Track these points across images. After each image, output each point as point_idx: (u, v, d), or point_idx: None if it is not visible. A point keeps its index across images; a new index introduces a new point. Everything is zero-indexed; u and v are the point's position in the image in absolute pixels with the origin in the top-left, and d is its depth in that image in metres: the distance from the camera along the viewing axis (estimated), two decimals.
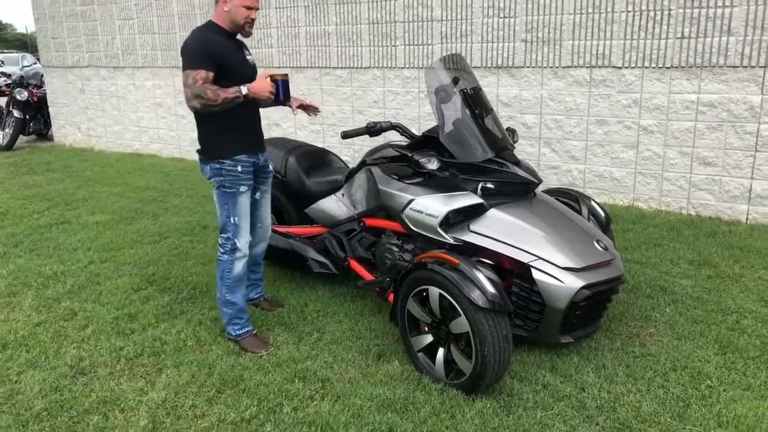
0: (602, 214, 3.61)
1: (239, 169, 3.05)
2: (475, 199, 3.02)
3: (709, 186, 5.18)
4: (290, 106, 3.39)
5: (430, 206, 3.05)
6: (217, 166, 3.03)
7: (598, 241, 3.04)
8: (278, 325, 3.46)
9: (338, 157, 4.24)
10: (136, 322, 3.53)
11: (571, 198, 3.67)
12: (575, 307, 2.84)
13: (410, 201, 3.13)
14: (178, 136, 8.76)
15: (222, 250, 3.15)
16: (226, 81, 2.90)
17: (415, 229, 3.14)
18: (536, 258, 2.88)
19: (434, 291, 2.74)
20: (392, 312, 3.04)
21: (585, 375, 2.86)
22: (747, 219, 5.07)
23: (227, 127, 3.01)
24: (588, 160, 5.71)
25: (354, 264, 3.63)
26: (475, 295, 2.55)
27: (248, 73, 3.07)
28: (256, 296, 3.66)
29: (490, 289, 2.57)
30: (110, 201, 6.38)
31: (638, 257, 4.33)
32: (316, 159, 4.10)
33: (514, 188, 3.19)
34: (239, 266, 3.16)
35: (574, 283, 2.80)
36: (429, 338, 2.88)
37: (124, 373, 2.99)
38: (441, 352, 2.81)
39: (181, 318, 3.58)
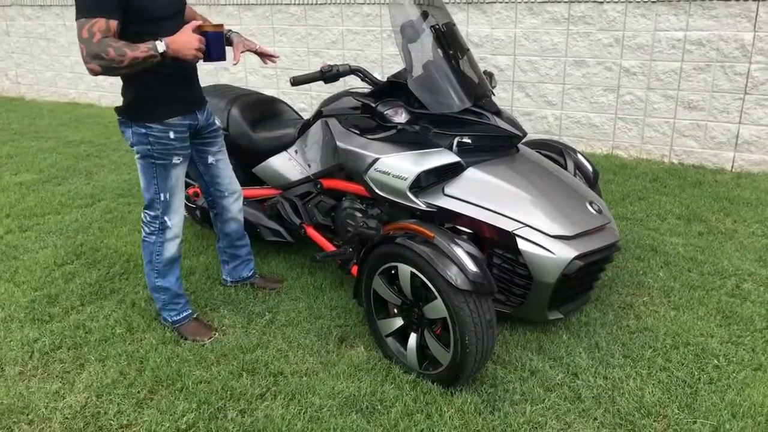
0: (590, 168, 3.20)
1: (172, 136, 2.48)
2: (450, 157, 2.56)
3: (693, 132, 4.83)
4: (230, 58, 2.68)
5: (398, 167, 2.58)
6: (143, 131, 2.44)
7: (590, 203, 2.64)
8: (224, 304, 3.00)
9: (290, 107, 3.70)
10: (57, 306, 3.02)
11: (555, 150, 3.25)
12: (566, 280, 2.46)
13: (374, 160, 2.65)
14: (118, 83, 7.97)
15: (148, 230, 2.62)
16: (136, 28, 2.27)
17: (380, 193, 2.68)
18: (522, 225, 2.46)
19: (404, 269, 2.31)
20: (356, 289, 2.61)
21: (577, 357, 2.50)
22: (733, 167, 4.76)
23: (155, 82, 2.41)
24: (565, 105, 5.28)
25: (311, 232, 3.17)
26: (454, 275, 2.13)
27: (168, 13, 2.38)
28: (248, 275, 3.15)
29: (472, 267, 2.15)
30: (39, 158, 5.71)
31: (622, 212, 3.97)
32: (264, 109, 3.55)
33: (495, 143, 2.74)
34: (171, 248, 2.66)
35: (565, 253, 2.41)
36: (399, 322, 2.46)
37: (36, 372, 2.51)
38: (413, 338, 2.40)
39: (111, 299, 3.08)
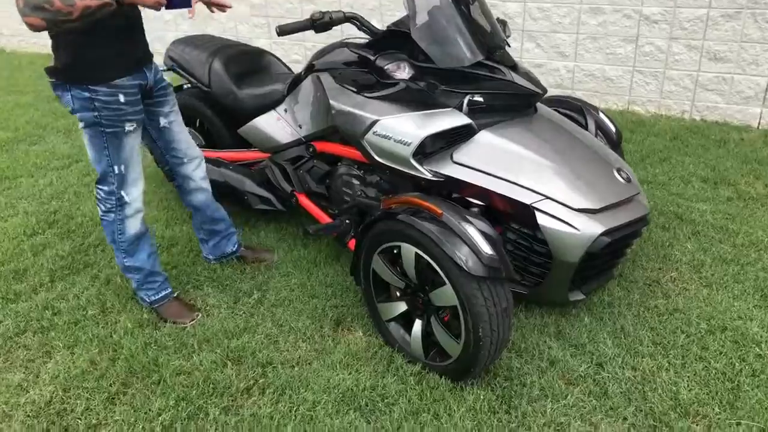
0: (612, 128, 2.88)
1: (122, 99, 2.12)
2: (460, 119, 2.24)
3: (718, 86, 4.46)
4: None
5: (401, 130, 2.26)
6: (86, 95, 2.07)
7: (618, 171, 2.33)
8: (208, 281, 2.72)
9: (279, 60, 3.33)
10: (24, 282, 2.74)
11: (573, 109, 2.92)
12: (590, 258, 2.18)
13: (373, 122, 2.32)
14: None
15: (105, 208, 2.30)
16: None
17: (379, 159, 2.36)
18: (541, 197, 2.15)
19: (408, 249, 2.01)
20: (353, 267, 2.32)
21: (601, 344, 2.23)
22: (759, 124, 4.42)
23: (99, 36, 2.03)
24: (578, 57, 4.89)
25: (304, 201, 2.86)
26: (466, 258, 1.84)
27: None
28: (233, 249, 2.84)
29: (486, 248, 1.86)
30: (15, 114, 5.34)
31: (643, 175, 3.66)
32: (250, 63, 3.19)
33: (511, 102, 2.40)
34: (134, 224, 2.35)
35: (591, 228, 2.11)
36: (402, 307, 2.19)
37: None
38: (418, 325, 2.13)
39: (84, 274, 2.80)
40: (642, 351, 2.19)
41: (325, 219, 2.77)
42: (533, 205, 2.14)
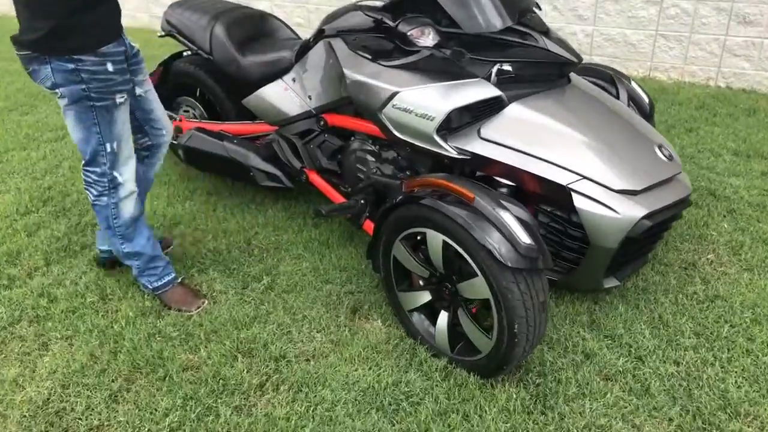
0: (645, 99, 2.68)
1: (110, 68, 1.91)
2: (489, 90, 2.04)
3: (746, 51, 4.23)
4: None
5: (423, 103, 2.06)
6: (70, 66, 1.85)
7: (660, 148, 2.14)
8: (214, 264, 2.55)
9: (285, 24, 3.10)
10: (18, 266, 2.57)
11: (604, 78, 2.71)
12: (629, 243, 2.00)
13: (392, 95, 2.11)
14: None
15: (96, 192, 2.11)
16: None
17: (399, 135, 2.17)
18: (578, 177, 1.97)
19: (435, 237, 1.84)
20: (371, 251, 2.15)
21: (638, 335, 2.08)
22: None
23: (79, 0, 1.81)
24: (597, 20, 4.63)
25: (315, 178, 2.67)
26: (502, 249, 1.67)
27: None
28: None
29: (524, 237, 1.68)
30: (5, 81, 5.10)
31: None
32: (254, 27, 2.96)
33: (542, 71, 2.20)
34: (129, 207, 2.16)
35: (632, 211, 1.93)
36: (426, 297, 2.02)
37: None
38: (444, 317, 1.97)
39: (81, 256, 2.63)
40: (684, 343, 2.03)
41: (338, 198, 2.58)
42: (569, 186, 1.96)
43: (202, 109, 3.16)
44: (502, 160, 2.03)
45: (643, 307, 2.21)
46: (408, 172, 2.39)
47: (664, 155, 2.12)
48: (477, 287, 1.76)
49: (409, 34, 2.01)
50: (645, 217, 1.94)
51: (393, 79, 2.14)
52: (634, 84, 2.69)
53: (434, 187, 1.86)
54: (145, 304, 2.31)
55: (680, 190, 2.09)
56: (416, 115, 2.07)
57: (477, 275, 1.74)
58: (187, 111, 3.21)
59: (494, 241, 1.67)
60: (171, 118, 3.16)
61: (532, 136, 2.03)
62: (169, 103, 3.25)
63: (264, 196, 3.06)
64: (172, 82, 3.17)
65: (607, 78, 2.70)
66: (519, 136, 2.03)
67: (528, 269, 1.68)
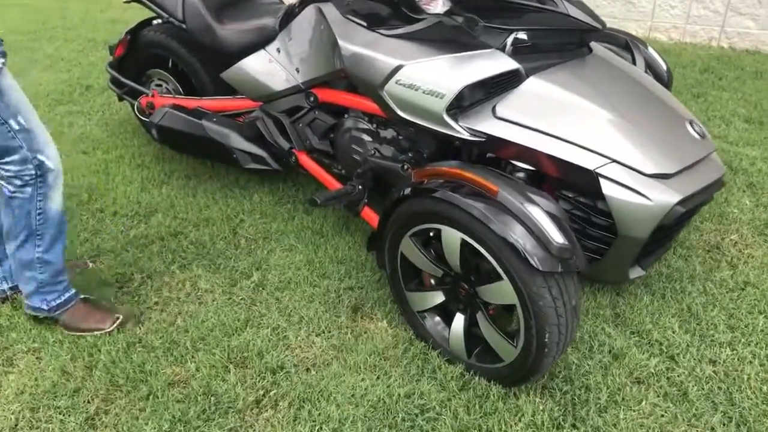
0: (663, 66, 2.47)
1: None
2: (506, 63, 1.80)
3: (752, 9, 4.02)
4: None
5: (432, 78, 1.81)
6: None
7: (691, 124, 1.94)
8: (197, 259, 2.31)
9: None
10: None
11: (618, 43, 2.49)
12: (660, 230, 1.81)
13: (396, 69, 1.86)
14: None
15: (20, 182, 1.74)
16: None
17: (402, 114, 1.92)
18: (607, 161, 1.76)
19: (452, 235, 1.62)
20: (372, 242, 1.94)
21: (668, 330, 1.91)
22: None
23: None
24: None
25: (305, 161, 2.43)
26: (534, 250, 1.46)
27: None
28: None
29: (557, 236, 1.48)
30: None
31: None
32: None
33: (561, 39, 1.97)
34: (58, 198, 1.83)
35: (665, 197, 1.73)
36: (439, 298, 1.82)
37: None
38: (460, 320, 1.77)
39: None
40: (718, 339, 1.87)
41: (331, 183, 2.35)
42: (597, 170, 1.75)
43: (176, 82, 2.86)
44: (521, 143, 1.80)
45: (670, 297, 2.04)
46: (411, 154, 2.16)
47: (697, 133, 1.91)
48: (502, 292, 1.56)
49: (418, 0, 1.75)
50: (679, 203, 1.75)
51: (396, 50, 1.89)
52: (651, 50, 2.48)
53: (448, 177, 1.64)
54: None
55: (713, 171, 1.90)
56: (423, 92, 1.83)
57: (502, 278, 1.54)
58: (160, 85, 2.91)
59: (523, 242, 1.47)
60: (142, 93, 2.87)
61: (554, 115, 1.80)
62: (138, 77, 2.95)
63: (248, 179, 2.81)
64: (141, 53, 2.86)
65: (622, 44, 2.47)
66: (539, 115, 1.81)
67: (563, 272, 1.48)
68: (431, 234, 1.72)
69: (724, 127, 3.11)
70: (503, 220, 1.50)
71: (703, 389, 1.71)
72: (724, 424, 1.62)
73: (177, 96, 2.83)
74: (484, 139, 1.85)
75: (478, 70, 1.79)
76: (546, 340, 1.52)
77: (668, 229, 1.85)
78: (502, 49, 1.83)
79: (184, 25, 2.53)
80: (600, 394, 1.70)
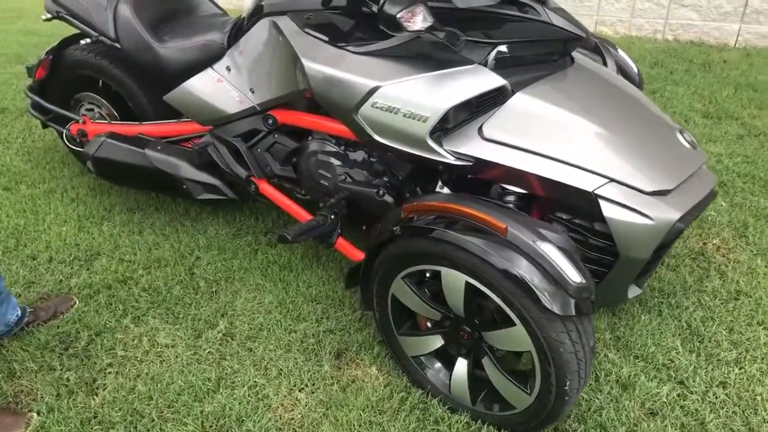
0: (635, 69, 2.39)
1: None
2: (491, 79, 1.65)
3: (694, 1, 4.05)
4: None
5: (413, 99, 1.64)
6: None
7: (682, 133, 1.85)
8: (153, 308, 2.05)
9: None
10: None
11: (588, 47, 2.39)
12: (660, 249, 1.71)
13: (372, 90, 1.67)
14: None
15: None
16: None
17: (380, 139, 1.74)
18: (605, 180, 1.63)
19: (454, 277, 1.46)
20: (350, 277, 1.77)
21: (672, 351, 1.82)
22: (737, 41, 4.08)
23: None
24: None
25: (266, 188, 2.20)
26: (552, 293, 1.32)
27: None
28: (17, 316, 1.89)
29: (574, 276, 1.34)
30: None
31: None
32: (168, 4, 2.40)
33: (542, 50, 1.83)
34: None
35: (666, 215, 1.62)
36: (437, 342, 1.65)
37: None
38: (462, 365, 1.61)
39: None
40: (724, 357, 1.79)
41: (298, 212, 2.14)
42: (596, 192, 1.62)
43: (109, 106, 2.57)
44: (513, 165, 1.65)
45: (667, 314, 1.95)
46: (386, 178, 1.98)
47: (688, 143, 1.82)
48: (514, 338, 1.41)
49: (399, 15, 1.57)
50: (679, 220, 1.65)
51: (369, 70, 1.70)
52: (621, 52, 2.39)
53: (445, 212, 1.47)
54: (65, 376, 1.80)
55: (707, 182, 1.81)
56: (404, 115, 1.65)
57: (514, 324, 1.39)
58: (91, 110, 2.61)
59: (539, 284, 1.32)
60: (71, 119, 2.57)
61: (546, 133, 1.66)
62: (65, 101, 2.63)
63: (200, 211, 2.56)
64: (67, 75, 2.55)
65: (591, 46, 2.38)
66: (530, 134, 1.66)
67: (582, 313, 1.35)
68: (427, 274, 1.55)
69: (685, 124, 3.09)
70: (514, 261, 1.35)
71: (719, 416, 1.62)
72: None
73: (113, 122, 2.54)
74: (471, 164, 1.69)
75: (463, 88, 1.62)
76: (566, 387, 1.38)
77: (667, 246, 1.76)
78: (484, 63, 1.68)
79: (117, 45, 2.25)
80: None
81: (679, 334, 1.88)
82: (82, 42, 2.44)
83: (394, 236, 1.54)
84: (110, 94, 2.56)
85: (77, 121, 2.56)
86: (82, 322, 1.99)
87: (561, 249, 1.37)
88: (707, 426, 1.59)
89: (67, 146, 2.71)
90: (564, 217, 1.77)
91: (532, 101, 1.69)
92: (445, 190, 1.91)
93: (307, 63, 1.78)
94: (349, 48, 1.75)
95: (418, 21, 1.57)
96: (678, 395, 1.68)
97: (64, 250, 2.32)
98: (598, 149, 1.65)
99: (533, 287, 1.32)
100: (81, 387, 1.76)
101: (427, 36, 1.63)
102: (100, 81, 2.53)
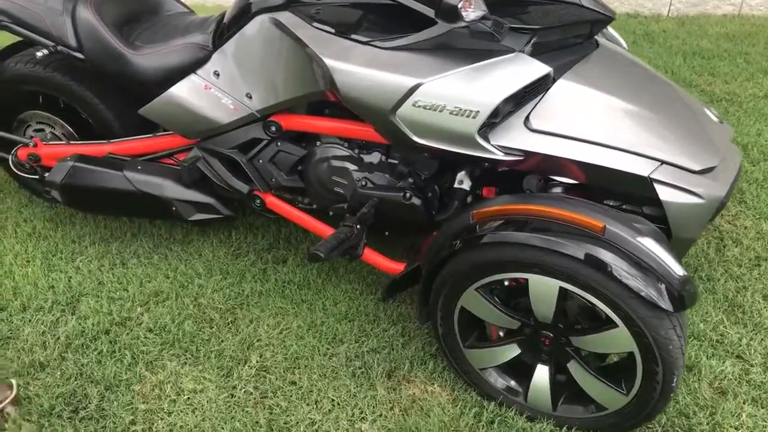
0: (624, 46, 2.37)
1: None
2: (537, 67, 1.55)
3: None
4: None
5: (461, 94, 1.51)
6: None
7: (708, 108, 1.85)
8: (165, 349, 1.81)
9: None
10: None
11: None
12: None
13: (414, 88, 1.53)
14: None
15: None
16: None
17: (417, 140, 1.60)
18: (658, 163, 1.59)
19: (545, 284, 1.36)
20: (391, 289, 1.66)
21: (719, 325, 1.82)
22: (669, 11, 4.24)
23: None
24: None
25: (274, 202, 2.00)
26: (659, 290, 1.26)
27: None
28: None
29: (677, 269, 1.29)
30: None
31: None
32: (134, 5, 2.11)
33: (570, 33, 1.76)
34: None
35: (714, 192, 1.61)
36: (513, 351, 1.55)
37: None
38: (543, 371, 1.53)
39: None
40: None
41: (313, 224, 1.97)
42: (651, 176, 1.58)
43: (65, 125, 2.24)
44: (565, 156, 1.58)
45: (702, 288, 1.97)
46: (410, 179, 1.85)
47: (716, 117, 1.83)
48: (616, 340, 1.34)
49: (459, 6, 1.42)
50: (725, 196, 1.65)
51: (406, 66, 1.55)
52: (611, 30, 2.37)
53: (526, 216, 1.37)
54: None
55: (737, 155, 1.82)
56: (450, 112, 1.53)
57: (616, 326, 1.32)
58: (41, 130, 2.27)
59: (645, 283, 1.25)
60: (19, 143, 2.23)
61: (594, 119, 1.60)
62: (8, 123, 2.28)
63: (186, 231, 2.30)
64: (8, 92, 2.20)
65: None
66: (578, 122, 1.59)
67: (685, 307, 1.30)
68: (505, 282, 1.45)
69: None
70: (617, 260, 1.27)
71: None
72: None
73: (71, 142, 2.23)
74: (521, 158, 1.60)
75: (511, 79, 1.52)
76: (673, 384, 1.33)
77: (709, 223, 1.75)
78: (523, 52, 1.58)
79: (79, 55, 1.95)
80: (699, 421, 1.56)
81: (721, 308, 1.89)
82: (38, 54, 2.09)
83: (466, 246, 1.42)
84: (62, 110, 2.24)
85: (26, 144, 2.23)
86: (86, 377, 1.73)
87: (659, 242, 1.30)
88: None
89: (14, 175, 2.35)
90: (611, 204, 1.72)
91: (576, 87, 1.62)
92: (465, 185, 1.82)
93: (330, 62, 1.61)
94: (376, 43, 1.60)
95: (476, 10, 1.44)
96: (741, 370, 1.69)
97: (38, 295, 2.01)
98: (646, 132, 1.61)
99: (641, 286, 1.25)
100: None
101: (483, 25, 1.50)
102: (60, 101, 2.20)
